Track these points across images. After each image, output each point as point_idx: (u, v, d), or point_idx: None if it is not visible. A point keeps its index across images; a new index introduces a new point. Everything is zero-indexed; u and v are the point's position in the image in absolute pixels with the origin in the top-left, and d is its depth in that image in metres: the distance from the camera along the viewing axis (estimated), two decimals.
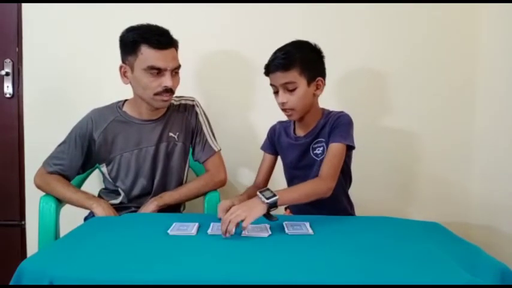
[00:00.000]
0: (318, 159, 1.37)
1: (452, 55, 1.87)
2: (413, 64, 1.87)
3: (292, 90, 1.31)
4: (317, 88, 1.35)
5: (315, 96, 1.36)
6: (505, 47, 1.74)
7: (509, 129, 1.70)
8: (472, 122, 1.89)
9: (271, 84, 1.35)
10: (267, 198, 1.11)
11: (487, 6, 1.80)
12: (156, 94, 1.39)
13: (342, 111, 1.39)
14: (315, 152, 1.38)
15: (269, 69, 1.33)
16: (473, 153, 1.90)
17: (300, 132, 1.43)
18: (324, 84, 1.37)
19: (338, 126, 1.32)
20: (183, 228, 1.11)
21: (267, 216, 1.13)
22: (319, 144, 1.38)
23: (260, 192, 1.14)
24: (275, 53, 1.34)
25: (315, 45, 1.36)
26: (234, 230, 1.04)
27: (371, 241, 1.05)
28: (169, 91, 1.40)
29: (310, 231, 1.11)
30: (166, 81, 1.37)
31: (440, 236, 1.12)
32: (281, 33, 1.80)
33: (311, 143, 1.39)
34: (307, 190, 1.23)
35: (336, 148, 1.29)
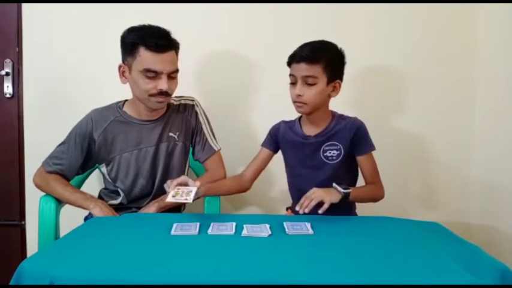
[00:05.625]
0: (330, 162, 1.38)
1: (451, 54, 1.87)
2: (412, 64, 1.87)
3: (311, 85, 1.32)
4: (333, 90, 1.36)
5: (329, 97, 1.38)
6: (504, 47, 1.74)
7: (509, 128, 1.71)
8: (472, 121, 1.89)
9: (291, 75, 1.36)
10: (343, 189, 1.26)
11: (486, 6, 1.80)
12: (150, 95, 1.39)
13: (355, 118, 1.42)
14: (325, 154, 1.38)
15: (294, 59, 1.33)
16: (473, 153, 1.90)
17: (309, 132, 1.42)
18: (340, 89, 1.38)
19: (363, 137, 1.39)
20: (184, 228, 1.11)
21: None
22: (332, 147, 1.38)
23: (336, 183, 1.29)
24: (303, 45, 1.35)
25: (341, 48, 1.37)
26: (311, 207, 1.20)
27: (371, 241, 1.05)
28: (165, 94, 1.39)
29: (311, 231, 1.11)
30: (162, 84, 1.37)
31: (440, 236, 1.13)
32: (281, 33, 1.83)
33: (322, 144, 1.39)
34: (369, 193, 1.38)
35: (371, 157, 1.41)
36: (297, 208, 1.24)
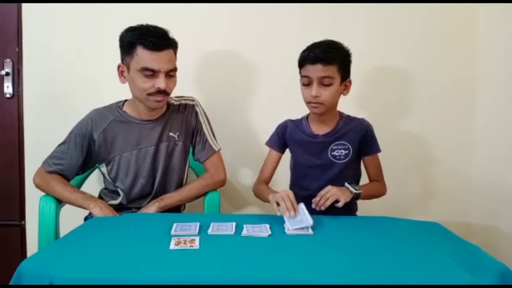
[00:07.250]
0: (337, 162, 1.39)
1: (451, 54, 1.87)
2: (412, 64, 1.87)
3: (327, 85, 1.32)
4: (345, 88, 1.38)
5: (340, 96, 1.38)
6: (504, 47, 1.74)
7: (509, 128, 1.71)
8: (472, 121, 1.89)
9: (304, 76, 1.34)
10: (355, 189, 1.30)
11: (486, 6, 1.80)
12: (149, 94, 1.39)
13: (363, 119, 1.44)
14: (333, 153, 1.39)
15: (308, 60, 1.32)
16: (473, 152, 1.90)
17: (318, 131, 1.42)
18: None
19: (372, 139, 1.43)
20: (184, 228, 1.11)
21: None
22: (340, 147, 1.39)
23: (348, 183, 1.32)
24: (312, 46, 1.33)
25: (347, 47, 1.37)
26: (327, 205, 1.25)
27: (371, 241, 1.05)
28: (163, 92, 1.39)
29: (310, 231, 1.11)
30: (160, 82, 1.37)
31: (440, 236, 1.13)
32: (281, 33, 1.83)
33: (330, 144, 1.40)
34: (375, 191, 1.43)
35: (377, 158, 1.46)
36: (313, 206, 1.26)
